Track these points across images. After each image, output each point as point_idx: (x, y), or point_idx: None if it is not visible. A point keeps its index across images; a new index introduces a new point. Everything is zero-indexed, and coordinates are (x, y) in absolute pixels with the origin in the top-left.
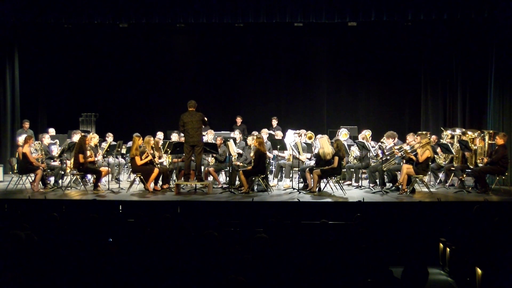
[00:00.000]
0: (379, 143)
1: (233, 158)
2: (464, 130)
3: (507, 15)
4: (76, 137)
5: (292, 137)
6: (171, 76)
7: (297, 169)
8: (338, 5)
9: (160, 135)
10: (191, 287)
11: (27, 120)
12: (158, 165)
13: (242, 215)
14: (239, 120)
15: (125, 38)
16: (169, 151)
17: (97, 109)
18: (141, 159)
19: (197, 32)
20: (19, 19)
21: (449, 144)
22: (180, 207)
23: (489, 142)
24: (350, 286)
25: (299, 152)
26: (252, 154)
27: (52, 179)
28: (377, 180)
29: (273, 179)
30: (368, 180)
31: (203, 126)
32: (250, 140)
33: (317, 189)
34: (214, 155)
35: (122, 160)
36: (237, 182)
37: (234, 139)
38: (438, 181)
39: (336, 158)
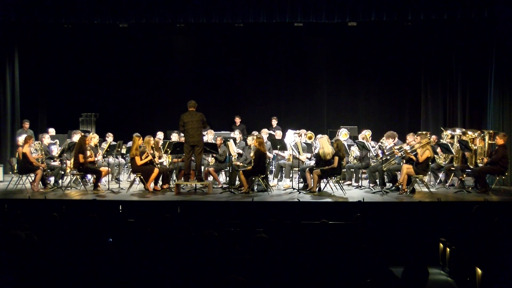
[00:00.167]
0: (379, 143)
1: (233, 158)
2: (464, 130)
3: (507, 15)
4: (76, 137)
5: (292, 137)
6: (171, 76)
7: (297, 169)
8: (338, 5)
9: (160, 135)
10: (191, 287)
11: (27, 120)
12: (158, 165)
13: (242, 215)
14: (238, 120)
15: (125, 38)
16: (169, 151)
17: (97, 109)
18: (141, 159)
19: (197, 32)
20: (19, 19)
21: (449, 144)
22: (180, 207)
23: (489, 142)
24: (350, 286)
25: (299, 152)
26: (252, 154)
27: (52, 179)
28: (377, 180)
29: (273, 179)
30: (368, 180)
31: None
32: (250, 140)
33: (317, 189)
34: (214, 155)
35: (122, 160)
36: (237, 182)
37: (234, 139)
38: (438, 181)
39: (336, 158)
